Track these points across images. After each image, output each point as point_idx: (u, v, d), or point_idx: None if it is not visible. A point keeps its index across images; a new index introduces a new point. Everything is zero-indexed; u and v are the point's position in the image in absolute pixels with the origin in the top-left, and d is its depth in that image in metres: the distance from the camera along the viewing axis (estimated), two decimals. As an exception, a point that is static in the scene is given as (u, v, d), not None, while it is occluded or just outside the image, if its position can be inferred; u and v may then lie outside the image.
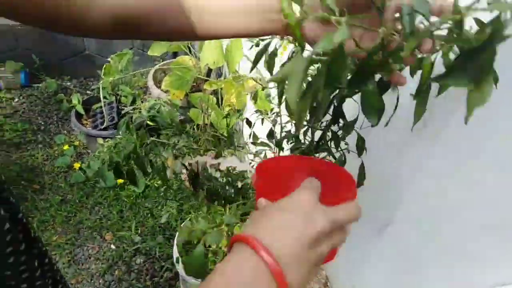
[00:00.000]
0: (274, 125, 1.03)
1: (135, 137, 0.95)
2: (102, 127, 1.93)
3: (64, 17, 0.45)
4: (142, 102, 1.92)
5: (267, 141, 1.02)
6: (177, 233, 1.38)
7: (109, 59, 1.89)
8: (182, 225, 1.41)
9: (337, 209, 0.41)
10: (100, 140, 1.96)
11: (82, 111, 1.94)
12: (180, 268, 1.30)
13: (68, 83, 2.58)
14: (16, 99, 2.43)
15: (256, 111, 1.12)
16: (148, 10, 0.46)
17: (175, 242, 1.36)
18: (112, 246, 1.72)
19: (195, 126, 1.90)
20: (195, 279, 1.30)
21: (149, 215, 1.82)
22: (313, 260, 0.38)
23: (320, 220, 0.38)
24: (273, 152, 1.04)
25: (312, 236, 0.37)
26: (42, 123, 2.31)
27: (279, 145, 0.92)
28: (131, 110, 1.06)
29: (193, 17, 0.46)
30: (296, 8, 0.44)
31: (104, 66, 1.97)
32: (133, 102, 2.03)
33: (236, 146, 1.38)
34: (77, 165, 2.01)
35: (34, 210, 1.82)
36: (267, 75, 1.64)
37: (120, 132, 1.42)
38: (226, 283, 0.35)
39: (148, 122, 1.52)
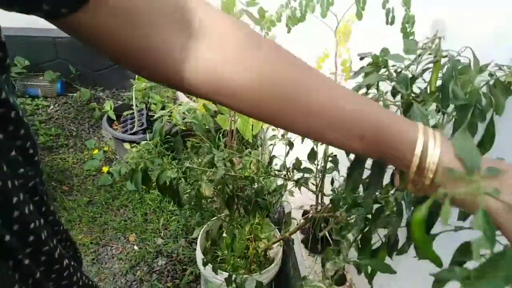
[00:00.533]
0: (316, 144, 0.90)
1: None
2: (132, 132, 1.99)
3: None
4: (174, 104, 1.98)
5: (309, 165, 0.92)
6: (199, 237, 1.39)
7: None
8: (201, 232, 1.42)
9: None
10: (127, 145, 2.02)
11: (113, 116, 2.02)
12: (200, 263, 1.30)
13: (101, 93, 2.69)
14: (52, 107, 2.55)
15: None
16: None
17: (198, 245, 1.37)
18: (135, 247, 1.74)
19: (220, 134, 1.94)
20: (218, 279, 1.30)
21: (172, 218, 1.84)
22: None
23: None
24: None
25: None
26: (74, 129, 2.40)
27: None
28: (165, 114, 1.08)
29: None
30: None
31: (137, 76, 2.05)
32: (163, 109, 2.09)
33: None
34: (105, 169, 2.07)
35: (62, 209, 1.88)
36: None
37: (151, 136, 1.46)
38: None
39: (182, 127, 1.54)
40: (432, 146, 0.36)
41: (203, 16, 0.36)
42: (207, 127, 1.45)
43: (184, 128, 1.51)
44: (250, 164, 1.40)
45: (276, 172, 1.06)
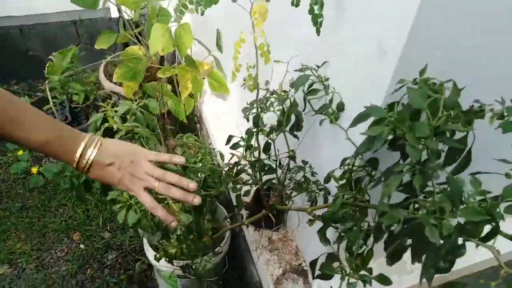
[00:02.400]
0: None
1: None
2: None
3: None
4: (110, 105, 1.86)
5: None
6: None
7: (51, 57, 1.81)
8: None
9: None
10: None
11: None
12: (150, 256, 1.30)
13: (15, 87, 2.45)
14: (-41, 108, 2.29)
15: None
16: None
17: (144, 240, 1.36)
18: (81, 246, 1.69)
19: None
20: (167, 267, 1.31)
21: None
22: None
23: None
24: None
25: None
26: (-9, 130, 2.20)
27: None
28: (98, 118, 0.98)
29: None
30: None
31: (47, 64, 1.89)
32: (86, 99, 1.97)
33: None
34: (34, 170, 1.94)
35: (-7, 220, 1.75)
36: (220, 56, 1.64)
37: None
38: None
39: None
40: (90, 149, 0.66)
41: None
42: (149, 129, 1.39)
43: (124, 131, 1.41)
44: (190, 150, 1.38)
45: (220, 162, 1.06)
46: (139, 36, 1.89)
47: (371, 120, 0.56)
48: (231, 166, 0.94)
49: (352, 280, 0.64)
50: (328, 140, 0.91)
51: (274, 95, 0.88)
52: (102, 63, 2.08)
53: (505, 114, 0.51)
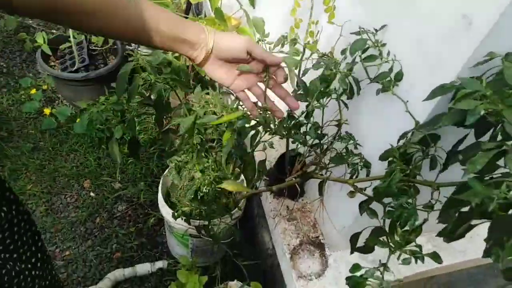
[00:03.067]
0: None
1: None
2: (73, 69, 1.79)
3: None
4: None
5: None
6: (161, 179, 1.33)
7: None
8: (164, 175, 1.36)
9: None
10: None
11: (49, 52, 1.77)
12: (165, 213, 1.26)
13: (30, 21, 2.34)
14: (-28, 39, 2.21)
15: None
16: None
17: (159, 188, 1.32)
18: (92, 194, 1.66)
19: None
20: (182, 225, 1.27)
21: (129, 161, 1.75)
22: None
23: None
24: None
25: None
26: (4, 65, 2.12)
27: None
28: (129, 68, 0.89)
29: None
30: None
31: None
32: (105, 42, 1.87)
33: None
34: (47, 111, 1.88)
35: (3, 158, 1.71)
36: (251, 12, 1.53)
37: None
38: None
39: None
40: (211, 36, 0.64)
41: None
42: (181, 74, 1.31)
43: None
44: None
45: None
46: (166, -20, 1.77)
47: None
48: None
49: (404, 255, 0.59)
50: (376, 111, 0.84)
51: (324, 58, 0.80)
52: (124, 6, 1.97)
53: None
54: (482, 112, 0.46)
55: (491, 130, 0.50)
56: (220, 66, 0.67)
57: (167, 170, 1.38)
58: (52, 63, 1.88)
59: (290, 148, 1.01)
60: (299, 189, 1.13)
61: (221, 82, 0.70)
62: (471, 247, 1.20)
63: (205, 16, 1.94)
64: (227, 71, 0.68)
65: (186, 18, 1.60)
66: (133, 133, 0.95)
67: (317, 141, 0.83)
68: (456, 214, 0.53)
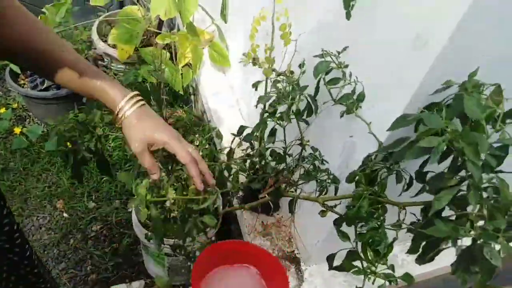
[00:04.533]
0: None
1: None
2: (43, 87, 1.75)
3: None
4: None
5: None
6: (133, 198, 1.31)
7: (44, 10, 1.68)
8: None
9: None
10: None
11: (18, 70, 1.74)
12: (139, 233, 1.25)
13: None
14: None
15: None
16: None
17: (132, 207, 1.30)
18: (65, 215, 1.62)
19: (148, 84, 1.77)
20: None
21: (103, 179, 1.72)
22: None
23: None
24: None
25: None
26: (-28, 83, 2.06)
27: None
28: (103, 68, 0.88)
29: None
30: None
31: (39, 17, 1.75)
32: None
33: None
34: (17, 130, 1.83)
35: (-28, 180, 1.66)
36: (224, 26, 1.53)
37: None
38: None
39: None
40: (128, 106, 0.64)
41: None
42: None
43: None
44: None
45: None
46: (137, -4, 1.76)
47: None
48: (243, 158, 0.88)
49: (379, 280, 0.60)
50: (343, 130, 0.85)
51: (283, 77, 0.81)
52: (96, 21, 1.95)
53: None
54: (445, 148, 0.47)
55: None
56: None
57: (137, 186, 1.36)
58: (22, 81, 1.84)
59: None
60: (272, 206, 1.13)
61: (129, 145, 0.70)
62: (446, 253, 1.22)
63: (178, 30, 1.94)
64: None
65: (159, 33, 1.59)
66: (97, 151, 0.94)
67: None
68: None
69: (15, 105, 1.96)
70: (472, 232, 0.42)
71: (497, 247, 0.41)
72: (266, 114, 0.76)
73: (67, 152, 0.88)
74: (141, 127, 0.65)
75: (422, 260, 0.54)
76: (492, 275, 0.42)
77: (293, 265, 1.20)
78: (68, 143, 0.99)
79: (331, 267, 0.69)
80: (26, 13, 0.63)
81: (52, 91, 1.73)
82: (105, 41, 1.89)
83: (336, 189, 0.81)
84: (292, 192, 0.89)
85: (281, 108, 0.79)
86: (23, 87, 1.78)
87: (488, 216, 0.41)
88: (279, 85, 0.78)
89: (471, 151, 0.40)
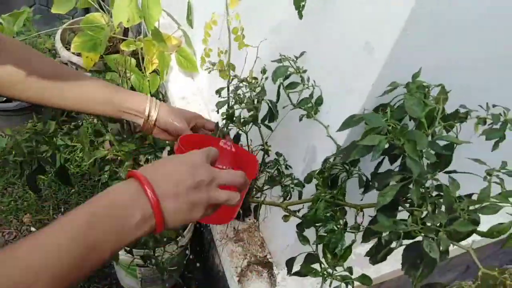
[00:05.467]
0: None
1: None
2: (4, 99, 1.69)
3: None
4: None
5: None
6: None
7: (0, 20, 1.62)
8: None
9: (221, 171, 0.50)
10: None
11: (-23, 81, 1.67)
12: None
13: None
14: None
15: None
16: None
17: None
18: (33, 229, 1.57)
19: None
20: (127, 256, 1.23)
21: (72, 191, 1.68)
22: (190, 201, 0.46)
23: (201, 172, 0.47)
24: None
25: (191, 182, 0.46)
26: None
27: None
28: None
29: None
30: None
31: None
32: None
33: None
34: (-21, 143, 1.76)
35: None
36: (191, 32, 1.52)
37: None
38: (109, 201, 0.44)
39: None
40: (153, 108, 0.71)
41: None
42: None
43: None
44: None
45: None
46: (101, 2, 1.73)
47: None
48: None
49: (335, 282, 0.60)
50: (303, 133, 0.85)
51: (245, 83, 0.80)
52: (59, 29, 1.90)
53: (490, 121, 0.49)
54: (386, 146, 0.47)
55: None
56: (163, 132, 0.75)
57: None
58: (-17, 93, 1.78)
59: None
60: (241, 212, 1.12)
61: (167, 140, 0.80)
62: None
63: (145, 36, 1.91)
64: (170, 134, 0.76)
65: (125, 40, 1.56)
66: (54, 161, 0.91)
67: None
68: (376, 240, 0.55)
69: (-24, 118, 1.89)
70: (414, 227, 0.43)
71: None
72: (223, 119, 0.76)
73: (21, 162, 0.86)
74: (177, 111, 0.75)
75: (374, 259, 0.54)
76: (433, 269, 0.44)
77: (265, 269, 1.20)
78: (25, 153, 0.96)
79: (290, 273, 0.69)
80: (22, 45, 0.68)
81: (14, 102, 1.67)
82: (69, 49, 1.84)
83: (300, 194, 0.81)
84: (258, 198, 0.89)
85: (244, 113, 0.79)
86: (-16, 98, 1.72)
87: (431, 211, 0.42)
88: (239, 91, 0.78)
89: (410, 148, 0.41)
